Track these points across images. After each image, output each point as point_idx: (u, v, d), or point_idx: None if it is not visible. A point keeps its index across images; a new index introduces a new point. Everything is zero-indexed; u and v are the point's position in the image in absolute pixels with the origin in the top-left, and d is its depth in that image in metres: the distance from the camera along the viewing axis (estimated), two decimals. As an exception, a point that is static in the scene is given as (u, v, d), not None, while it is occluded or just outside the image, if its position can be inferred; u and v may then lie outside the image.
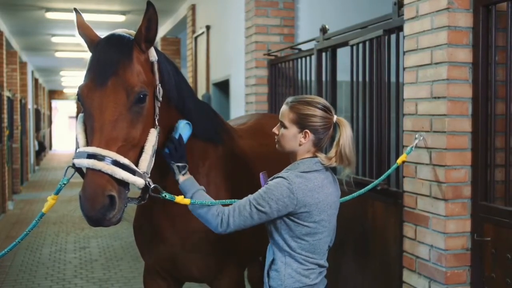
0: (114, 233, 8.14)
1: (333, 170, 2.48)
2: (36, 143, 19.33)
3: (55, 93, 31.03)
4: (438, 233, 2.91)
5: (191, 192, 2.36)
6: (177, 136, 2.48)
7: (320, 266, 2.35)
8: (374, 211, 3.65)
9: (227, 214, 2.27)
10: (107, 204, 2.08)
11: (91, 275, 6.12)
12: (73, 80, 24.62)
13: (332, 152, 2.32)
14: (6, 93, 10.91)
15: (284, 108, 2.35)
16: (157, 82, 2.37)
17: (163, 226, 2.74)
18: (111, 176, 2.11)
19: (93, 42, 2.37)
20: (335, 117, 2.33)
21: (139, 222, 2.93)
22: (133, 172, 2.17)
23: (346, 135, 2.31)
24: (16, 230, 8.41)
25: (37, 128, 20.67)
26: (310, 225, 2.26)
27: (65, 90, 30.44)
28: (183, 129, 2.52)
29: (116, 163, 2.11)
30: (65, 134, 39.25)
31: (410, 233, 3.16)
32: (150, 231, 2.81)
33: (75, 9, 2.45)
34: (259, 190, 2.27)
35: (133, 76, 2.24)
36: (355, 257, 3.90)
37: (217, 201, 2.46)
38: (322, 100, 2.35)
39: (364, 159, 3.85)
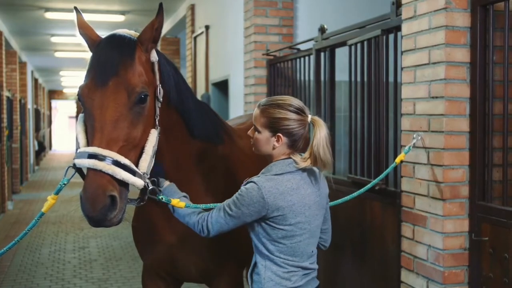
0: (113, 233, 8.14)
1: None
2: (35, 143, 19.34)
3: (55, 93, 31.02)
4: (436, 233, 2.91)
5: (170, 199, 2.37)
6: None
7: (303, 268, 2.31)
8: (372, 211, 3.65)
9: (206, 221, 2.29)
10: (108, 204, 2.07)
11: (90, 275, 6.12)
12: (72, 80, 24.61)
13: (307, 153, 2.26)
14: (6, 93, 10.91)
15: (256, 111, 2.31)
16: (158, 82, 2.37)
17: (162, 226, 2.74)
18: (112, 176, 2.10)
19: (94, 42, 2.36)
20: (309, 117, 2.28)
21: (137, 222, 2.93)
22: (133, 173, 2.17)
23: (320, 135, 2.23)
24: (15, 230, 8.41)
25: (37, 128, 20.68)
26: (285, 228, 2.22)
27: (65, 90, 30.43)
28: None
29: (117, 163, 2.11)
30: (65, 134, 39.24)
31: (408, 233, 3.16)
32: (149, 231, 2.81)
33: (75, 8, 2.44)
34: (233, 196, 2.26)
35: (135, 76, 2.23)
36: (353, 257, 3.90)
37: (210, 204, 2.47)
38: (295, 102, 2.28)
39: (362, 158, 3.85)
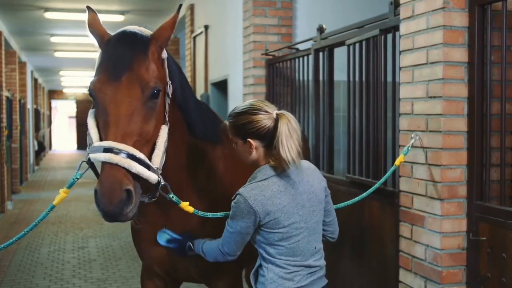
0: (112, 233, 8.15)
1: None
2: (35, 143, 19.34)
3: (54, 93, 31.00)
4: (434, 232, 2.91)
5: (200, 250, 2.48)
6: (163, 243, 2.61)
7: (307, 267, 2.31)
8: (370, 210, 3.65)
9: (222, 245, 2.35)
10: (124, 198, 2.07)
11: (90, 275, 6.12)
12: (72, 80, 24.62)
13: (275, 152, 2.23)
14: (5, 93, 10.91)
15: (227, 125, 2.35)
16: (168, 79, 2.39)
17: (161, 227, 2.74)
18: (127, 170, 2.10)
19: (104, 38, 2.36)
20: (274, 113, 2.24)
21: (137, 222, 2.92)
22: (148, 167, 2.17)
23: (278, 132, 2.19)
24: (15, 230, 8.40)
25: (37, 128, 20.68)
26: (280, 231, 2.23)
27: (64, 90, 30.41)
28: (161, 239, 2.61)
29: (132, 157, 2.11)
30: (65, 134, 39.24)
31: (406, 233, 3.16)
32: (148, 231, 2.81)
33: (87, 7, 2.45)
34: (230, 214, 2.30)
35: (148, 71, 2.25)
36: (352, 257, 3.91)
37: (218, 213, 2.50)
38: (256, 104, 2.27)
39: (360, 158, 3.85)
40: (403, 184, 3.19)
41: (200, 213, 2.48)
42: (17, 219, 9.47)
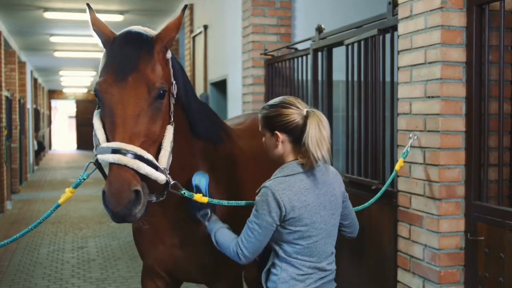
0: (112, 233, 8.15)
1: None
2: (35, 143, 19.33)
3: (54, 93, 31.01)
4: (432, 232, 2.91)
5: (214, 231, 2.41)
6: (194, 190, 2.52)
7: (320, 269, 2.30)
8: (369, 210, 3.64)
9: (238, 245, 2.29)
10: (133, 199, 2.07)
11: (89, 274, 6.12)
12: (72, 80, 24.62)
13: (304, 150, 2.24)
14: (5, 93, 10.91)
15: (258, 117, 2.39)
16: (172, 79, 2.39)
17: (163, 227, 2.74)
18: (135, 171, 2.11)
19: (108, 38, 2.35)
20: (305, 110, 2.26)
21: (139, 222, 2.92)
22: (156, 168, 2.18)
23: (308, 128, 2.20)
24: (14, 230, 8.39)
25: (36, 128, 20.68)
26: (301, 229, 2.22)
27: (64, 90, 30.42)
28: (199, 181, 2.53)
29: (140, 158, 2.11)
30: (65, 134, 39.25)
31: (404, 233, 3.17)
32: (150, 232, 2.80)
33: (88, 5, 2.45)
34: (253, 210, 2.26)
35: (154, 72, 2.25)
36: (351, 257, 3.91)
37: (233, 202, 2.49)
38: (287, 98, 2.31)
39: (359, 158, 3.85)
40: (401, 184, 3.19)
41: (215, 201, 2.46)
42: (17, 219, 9.47)
